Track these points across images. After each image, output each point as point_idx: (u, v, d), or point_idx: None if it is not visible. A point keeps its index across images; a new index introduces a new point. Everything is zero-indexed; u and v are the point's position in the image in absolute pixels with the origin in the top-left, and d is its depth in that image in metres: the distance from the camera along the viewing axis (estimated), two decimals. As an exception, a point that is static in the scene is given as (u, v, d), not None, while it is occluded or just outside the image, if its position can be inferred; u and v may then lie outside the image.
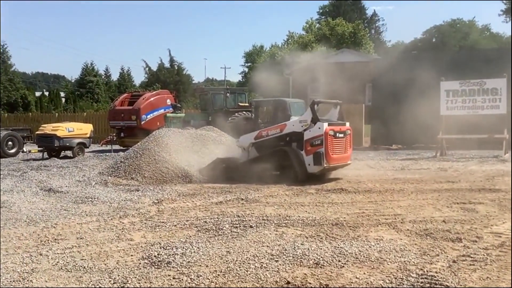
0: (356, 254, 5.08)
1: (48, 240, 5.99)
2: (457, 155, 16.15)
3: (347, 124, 11.36)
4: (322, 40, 45.76)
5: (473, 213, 7.01)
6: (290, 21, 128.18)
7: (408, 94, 18.73)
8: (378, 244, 5.44)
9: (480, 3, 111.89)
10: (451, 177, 10.91)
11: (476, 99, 15.94)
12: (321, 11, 65.99)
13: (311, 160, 10.45)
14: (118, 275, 4.64)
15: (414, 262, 4.81)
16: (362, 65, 28.70)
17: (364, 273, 4.57)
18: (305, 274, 4.58)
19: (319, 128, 10.43)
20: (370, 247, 5.34)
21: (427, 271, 4.54)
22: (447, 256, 4.99)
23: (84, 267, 4.91)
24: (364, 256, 5.02)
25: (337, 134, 10.69)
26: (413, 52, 35.25)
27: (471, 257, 4.93)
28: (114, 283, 4.48)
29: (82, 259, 5.17)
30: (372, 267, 4.73)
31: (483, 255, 4.99)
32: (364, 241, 5.60)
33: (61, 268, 4.92)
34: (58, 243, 5.87)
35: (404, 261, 4.84)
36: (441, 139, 16.28)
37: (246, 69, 61.36)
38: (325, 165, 10.42)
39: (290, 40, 54.56)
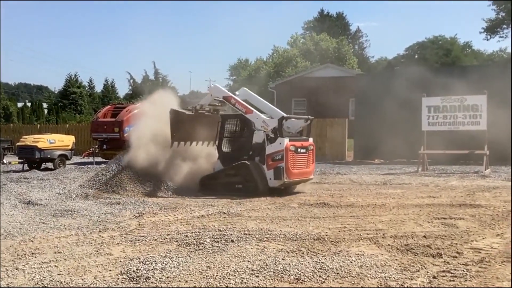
0: (337, 270, 5.06)
1: (25, 254, 5.86)
2: (438, 170, 16.32)
3: (311, 139, 11.57)
4: (307, 55, 46.16)
5: (454, 228, 7.06)
6: (275, 35, 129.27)
7: (390, 109, 18.94)
8: (359, 259, 5.44)
9: (462, 21, 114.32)
10: (432, 192, 11.01)
11: (457, 115, 16.16)
12: (305, 26, 66.81)
13: (272, 174, 10.67)
14: (96, 291, 4.56)
15: (394, 278, 4.81)
16: (346, 80, 28.94)
17: (345, 289, 4.55)
18: (286, 289, 4.54)
19: (280, 143, 10.64)
20: (351, 262, 5.32)
21: (407, 287, 4.54)
22: (428, 272, 4.99)
23: (61, 282, 4.80)
24: (345, 272, 5.01)
25: (299, 149, 10.93)
26: (395, 68, 35.69)
27: (451, 273, 4.94)
28: (91, 299, 4.39)
29: (59, 274, 5.06)
30: (353, 283, 4.72)
31: (463, 271, 5.01)
32: (345, 256, 5.59)
33: (37, 283, 4.80)
34: (35, 257, 5.75)
35: (385, 277, 4.84)
36: (423, 154, 16.44)
37: (231, 82, 61.56)
38: (285, 180, 10.64)
39: (275, 54, 54.89)
